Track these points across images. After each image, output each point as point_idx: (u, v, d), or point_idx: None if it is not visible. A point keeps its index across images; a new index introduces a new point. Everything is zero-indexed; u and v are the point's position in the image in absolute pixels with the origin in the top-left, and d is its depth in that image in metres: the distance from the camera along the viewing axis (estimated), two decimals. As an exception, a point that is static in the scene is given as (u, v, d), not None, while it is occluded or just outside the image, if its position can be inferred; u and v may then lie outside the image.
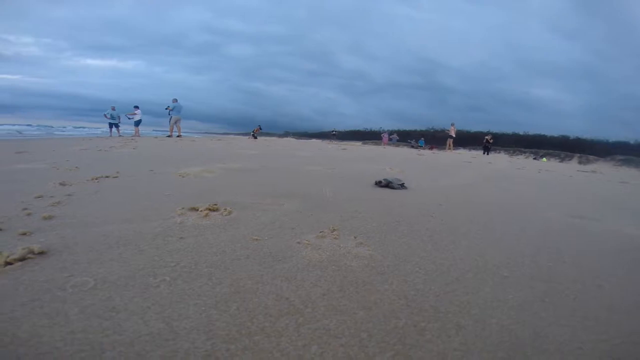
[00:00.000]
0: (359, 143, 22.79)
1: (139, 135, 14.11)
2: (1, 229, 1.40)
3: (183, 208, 1.87)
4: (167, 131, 14.66)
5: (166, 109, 14.11)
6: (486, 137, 17.55)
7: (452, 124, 17.79)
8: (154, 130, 32.23)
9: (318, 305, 0.96)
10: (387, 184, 3.10)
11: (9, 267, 1.04)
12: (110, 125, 14.89)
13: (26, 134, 17.89)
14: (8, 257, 1.05)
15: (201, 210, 1.84)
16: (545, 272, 1.32)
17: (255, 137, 20.58)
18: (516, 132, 27.25)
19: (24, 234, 1.35)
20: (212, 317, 0.86)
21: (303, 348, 0.77)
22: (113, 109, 14.91)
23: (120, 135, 14.32)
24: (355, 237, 1.59)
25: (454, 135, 17.57)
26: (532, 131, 27.17)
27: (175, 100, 14.14)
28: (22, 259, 1.08)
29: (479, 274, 1.26)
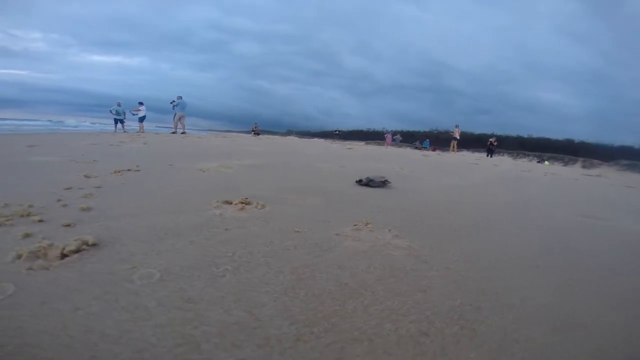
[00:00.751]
0: (362, 143, 22.79)
1: (143, 131, 14.08)
2: (43, 220, 1.39)
3: (218, 201, 1.88)
4: (171, 127, 14.63)
5: (171, 103, 14.10)
6: (490, 139, 17.53)
7: (457, 126, 17.76)
8: (157, 126, 32.15)
9: (377, 289, 1.02)
10: (367, 183, 2.88)
11: (66, 259, 1.03)
12: (116, 121, 14.87)
13: (31, 127, 17.87)
14: (64, 248, 1.04)
15: (235, 204, 1.85)
16: (567, 263, 1.45)
17: (258, 134, 20.56)
18: (520, 135, 27.18)
19: (68, 225, 1.34)
20: (287, 304, 0.89)
21: (377, 326, 0.83)
22: (119, 104, 14.89)
23: (125, 131, 14.29)
24: (389, 230, 1.65)
25: (458, 137, 17.55)
26: (537, 134, 27.14)
27: (180, 97, 14.12)
28: (78, 250, 1.06)
29: (510, 263, 1.37)
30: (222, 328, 0.76)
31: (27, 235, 1.19)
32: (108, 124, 18.35)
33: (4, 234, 1.22)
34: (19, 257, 0.98)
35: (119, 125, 14.93)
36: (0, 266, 0.95)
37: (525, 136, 26.61)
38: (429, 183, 3.68)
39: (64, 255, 1.01)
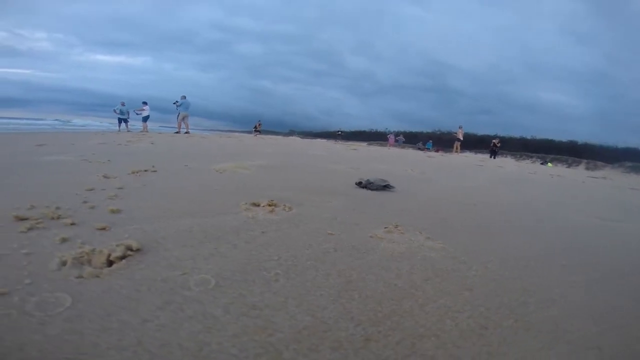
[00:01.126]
0: (364, 144, 22.72)
1: (146, 131, 14.04)
2: (75, 223, 1.35)
3: (246, 203, 1.87)
4: (174, 127, 14.60)
5: (174, 103, 14.09)
6: (493, 141, 17.51)
7: (460, 127, 17.73)
8: (160, 126, 32.05)
9: (426, 289, 1.06)
10: (366, 185, 2.75)
11: (114, 266, 0.99)
12: (119, 120, 14.85)
13: (37, 127, 17.83)
14: (110, 254, 1.00)
15: (263, 206, 1.83)
16: (589, 262, 1.53)
17: (260, 132, 20.10)
18: (524, 136, 27.06)
19: (103, 228, 1.30)
20: (345, 306, 0.89)
21: (438, 322, 0.88)
22: (123, 104, 14.88)
23: (128, 131, 14.26)
24: (420, 232, 1.66)
25: (461, 138, 17.52)
26: (540, 135, 27.02)
27: (183, 97, 14.11)
28: (123, 256, 1.02)
29: (538, 262, 1.45)
30: (294, 334, 0.75)
31: (64, 240, 1.14)
32: (113, 123, 18.31)
33: (39, 238, 1.18)
34: (64, 264, 0.95)
35: (123, 124, 14.91)
36: (48, 274, 0.92)
37: (529, 137, 26.51)
38: (443, 185, 3.70)
39: (110, 262, 0.97)
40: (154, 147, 5.79)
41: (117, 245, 1.05)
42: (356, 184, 2.83)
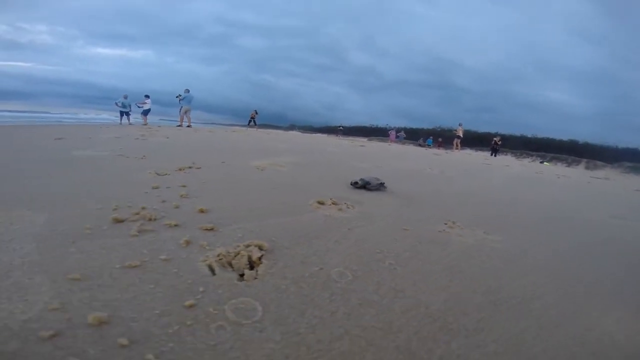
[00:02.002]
0: (364, 139, 22.76)
1: (146, 124, 13.87)
2: (178, 225, 1.36)
3: (313, 201, 1.98)
4: (173, 121, 14.44)
5: (177, 97, 13.92)
6: (495, 138, 17.67)
7: (460, 124, 17.84)
8: (160, 119, 31.58)
9: (509, 271, 1.30)
10: (363, 185, 2.56)
11: (261, 267, 1.03)
12: (121, 113, 14.65)
13: (43, 119, 17.49)
14: (250, 256, 1.03)
15: (328, 205, 1.90)
16: (623, 252, 1.80)
17: (255, 123, 18.09)
18: (524, 134, 27.36)
19: (211, 229, 1.32)
20: (462, 282, 1.10)
21: (534, 293, 1.14)
22: (125, 97, 14.69)
23: (130, 124, 14.07)
24: (475, 228, 1.83)
25: (461, 136, 17.63)
26: (542, 134, 27.32)
27: (187, 91, 13.94)
28: (260, 258, 1.06)
29: (581, 251, 1.71)
30: (441, 307, 0.95)
31: (187, 243, 1.17)
32: (113, 115, 18.01)
33: (157, 242, 1.19)
34: (212, 269, 0.97)
35: (125, 117, 14.72)
36: (211, 280, 0.94)
37: (530, 136, 26.80)
38: (466, 184, 3.85)
39: (251, 264, 1.01)
40: (172, 142, 5.78)
41: (246, 246, 1.09)
42: (352, 184, 2.61)
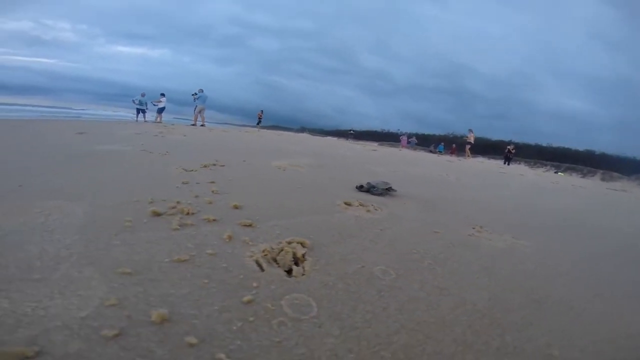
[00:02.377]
0: (375, 144, 22.68)
1: (160, 121, 14.10)
2: (216, 220, 1.39)
3: (340, 202, 1.98)
4: (187, 119, 14.65)
5: (192, 94, 14.15)
6: (508, 147, 17.39)
7: (471, 130, 17.55)
8: (174, 117, 32.09)
9: (542, 272, 1.37)
10: (368, 189, 2.49)
11: (305, 263, 1.04)
12: (138, 110, 14.97)
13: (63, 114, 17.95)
14: (294, 253, 1.05)
15: (356, 206, 1.92)
16: None
17: (258, 122, 18.55)
18: (539, 143, 26.82)
19: (249, 225, 1.34)
20: (499, 282, 1.15)
21: (567, 288, 1.22)
22: (143, 95, 15.03)
23: (146, 121, 14.35)
24: (503, 233, 1.85)
25: (472, 142, 17.37)
26: (557, 143, 26.73)
27: (201, 90, 14.16)
28: (304, 255, 1.07)
29: (607, 258, 1.76)
30: (485, 305, 0.99)
31: (230, 238, 1.18)
32: (130, 112, 18.37)
33: (199, 236, 1.20)
34: (259, 265, 0.99)
35: (141, 115, 15.03)
36: (262, 276, 0.95)
37: (544, 145, 26.29)
38: (484, 192, 3.84)
39: (295, 260, 1.02)
40: (190, 140, 5.87)
41: (288, 243, 1.11)
42: (357, 187, 2.55)
